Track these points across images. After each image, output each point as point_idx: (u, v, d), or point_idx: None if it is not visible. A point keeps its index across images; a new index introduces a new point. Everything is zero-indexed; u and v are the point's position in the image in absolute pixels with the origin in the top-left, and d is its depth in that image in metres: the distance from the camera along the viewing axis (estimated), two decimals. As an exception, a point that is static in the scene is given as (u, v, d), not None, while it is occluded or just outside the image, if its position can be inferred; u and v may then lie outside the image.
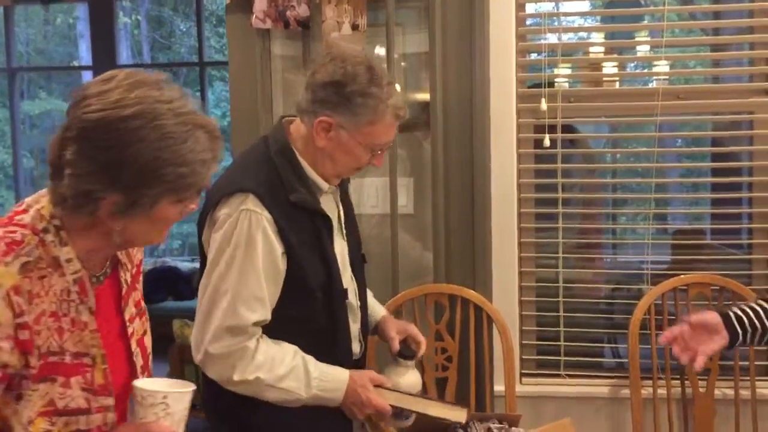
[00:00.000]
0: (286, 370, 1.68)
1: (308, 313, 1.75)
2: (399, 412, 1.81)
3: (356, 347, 1.88)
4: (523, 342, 2.66)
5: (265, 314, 1.69)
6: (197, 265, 1.92)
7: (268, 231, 1.66)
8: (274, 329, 1.72)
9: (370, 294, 2.02)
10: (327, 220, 1.76)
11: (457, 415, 1.84)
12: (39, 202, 1.21)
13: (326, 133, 1.70)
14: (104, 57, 7.32)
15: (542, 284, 2.67)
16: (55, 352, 1.17)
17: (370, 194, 2.60)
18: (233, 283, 1.65)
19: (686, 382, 2.44)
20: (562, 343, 2.64)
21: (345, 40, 2.47)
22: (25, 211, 1.20)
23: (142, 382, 1.25)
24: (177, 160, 1.13)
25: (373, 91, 1.66)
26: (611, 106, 2.64)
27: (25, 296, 1.13)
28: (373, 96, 1.67)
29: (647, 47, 2.70)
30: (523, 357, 2.66)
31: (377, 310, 2.05)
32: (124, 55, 8.01)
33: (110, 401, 1.23)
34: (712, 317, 1.71)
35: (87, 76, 8.92)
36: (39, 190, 1.23)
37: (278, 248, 1.68)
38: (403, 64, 2.61)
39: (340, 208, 1.87)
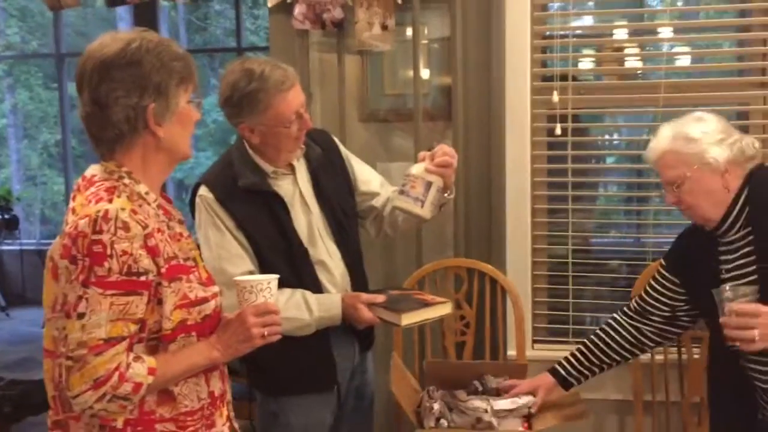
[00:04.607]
0: (285, 304, 2.01)
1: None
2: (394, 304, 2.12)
3: None
4: (535, 312, 2.93)
5: (247, 265, 2.05)
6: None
7: (215, 208, 2.05)
8: None
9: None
10: (278, 197, 2.11)
11: (443, 309, 2.15)
12: (97, 169, 1.53)
13: (252, 133, 2.07)
14: (146, 41, 7.62)
15: (553, 260, 2.94)
16: (172, 257, 1.49)
17: (397, 177, 2.87)
18: (209, 252, 2.05)
19: (682, 349, 2.70)
20: (570, 313, 2.91)
21: (375, 38, 2.75)
22: (93, 176, 1.51)
23: (245, 277, 1.67)
24: (174, 56, 1.51)
25: (251, 87, 2.01)
26: (618, 98, 2.88)
27: (140, 216, 1.45)
28: (253, 91, 2.01)
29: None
30: (535, 325, 2.93)
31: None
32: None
33: (216, 289, 1.59)
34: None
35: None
36: (81, 166, 1.59)
37: (229, 221, 2.05)
38: (427, 54, 2.87)
39: (302, 186, 2.17)
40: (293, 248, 2.11)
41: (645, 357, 2.68)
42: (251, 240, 2.07)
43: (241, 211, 2.06)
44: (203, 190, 2.09)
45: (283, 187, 2.14)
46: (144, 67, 1.48)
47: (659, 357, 2.68)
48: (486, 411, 2.30)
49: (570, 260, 2.89)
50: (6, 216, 6.69)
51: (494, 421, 2.26)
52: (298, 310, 2.07)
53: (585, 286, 2.93)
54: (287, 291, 2.07)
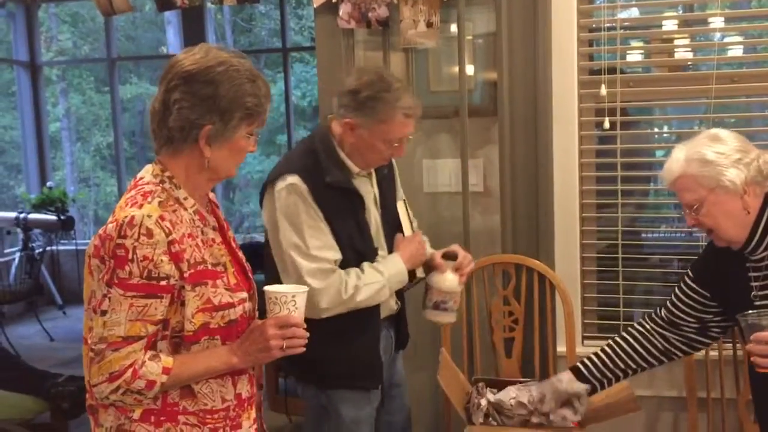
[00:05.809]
0: (365, 274, 2.12)
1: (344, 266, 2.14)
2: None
3: (392, 303, 2.28)
4: (585, 307, 2.91)
5: (338, 254, 2.11)
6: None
7: (307, 198, 2.07)
8: None
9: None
10: (359, 196, 2.15)
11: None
12: (147, 171, 1.60)
13: (352, 132, 2.10)
14: (194, 43, 7.74)
15: (603, 255, 2.91)
16: (199, 262, 1.55)
17: (443, 174, 2.89)
18: (298, 239, 2.07)
19: (737, 345, 2.64)
20: (621, 308, 2.87)
21: (420, 36, 2.75)
22: (141, 178, 1.59)
23: (272, 287, 1.63)
24: (251, 92, 1.56)
25: (382, 96, 2.04)
26: (668, 90, 2.83)
27: (168, 222, 1.50)
28: (382, 100, 2.04)
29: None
30: (585, 321, 2.91)
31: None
32: (210, 40, 8.38)
33: (244, 294, 1.62)
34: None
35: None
36: (133, 168, 1.64)
37: (319, 212, 2.09)
38: (472, 50, 2.86)
39: (376, 189, 2.25)
40: (367, 247, 2.17)
41: (699, 353, 2.63)
42: (334, 234, 2.12)
43: (328, 206, 2.11)
44: (295, 179, 2.09)
45: (362, 188, 2.20)
46: (218, 91, 1.53)
47: (714, 353, 2.63)
48: (532, 412, 2.30)
49: (620, 255, 2.85)
50: (62, 217, 6.86)
51: (543, 419, 2.26)
52: (373, 276, 2.13)
53: (635, 281, 2.89)
54: (353, 268, 2.14)
